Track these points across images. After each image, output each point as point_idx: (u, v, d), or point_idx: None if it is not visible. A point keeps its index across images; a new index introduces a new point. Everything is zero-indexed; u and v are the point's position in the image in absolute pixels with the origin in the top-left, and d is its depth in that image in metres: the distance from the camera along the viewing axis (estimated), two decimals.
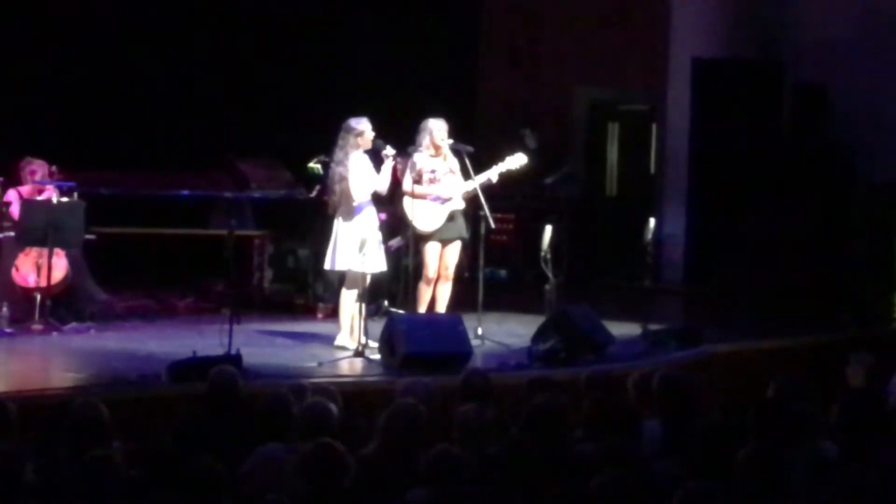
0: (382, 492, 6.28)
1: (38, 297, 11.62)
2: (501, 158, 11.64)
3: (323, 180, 12.41)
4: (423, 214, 11.42)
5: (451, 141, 11.46)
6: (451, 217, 11.44)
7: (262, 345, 11.16)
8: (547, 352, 10.80)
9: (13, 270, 11.82)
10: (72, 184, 12.12)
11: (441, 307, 11.48)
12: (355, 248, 10.91)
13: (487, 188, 11.47)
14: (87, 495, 5.92)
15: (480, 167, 11.54)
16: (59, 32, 14.43)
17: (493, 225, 11.50)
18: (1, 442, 6.53)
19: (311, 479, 6.09)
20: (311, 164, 12.95)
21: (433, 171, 11.44)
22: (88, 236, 11.97)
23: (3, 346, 10.93)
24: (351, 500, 6.13)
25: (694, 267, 15.79)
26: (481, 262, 11.68)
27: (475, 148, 11.72)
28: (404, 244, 12.31)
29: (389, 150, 11.10)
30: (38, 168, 12.14)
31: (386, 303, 12.60)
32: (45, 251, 11.61)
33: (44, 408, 8.22)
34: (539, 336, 10.99)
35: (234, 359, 9.57)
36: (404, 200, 11.50)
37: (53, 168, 12.20)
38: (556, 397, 7.23)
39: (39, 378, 10.19)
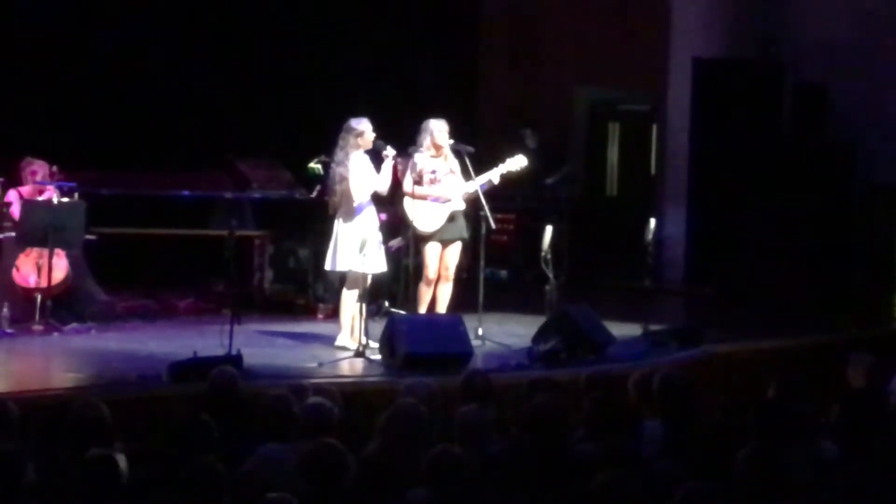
0: (383, 492, 6.28)
1: (39, 297, 11.62)
2: (502, 159, 11.65)
3: (323, 180, 12.39)
4: (423, 215, 11.42)
5: (451, 141, 11.46)
6: (452, 217, 11.44)
7: (263, 345, 11.16)
8: (547, 352, 10.80)
9: (14, 271, 11.82)
10: (72, 184, 12.10)
11: (441, 308, 11.47)
12: (356, 248, 10.90)
13: (487, 189, 11.47)
14: (87, 495, 5.93)
15: (481, 167, 11.54)
16: (59, 32, 14.41)
17: (493, 225, 11.49)
18: (1, 442, 6.53)
19: (312, 479, 6.09)
20: (312, 165, 12.93)
21: (434, 172, 11.43)
22: (89, 237, 11.96)
23: (4, 347, 10.94)
24: (351, 500, 6.13)
25: (694, 267, 15.76)
26: (482, 262, 11.68)
27: (475, 148, 11.72)
28: (405, 245, 12.32)
29: (390, 151, 11.10)
30: (39, 168, 12.13)
31: (386, 303, 12.60)
32: (46, 252, 11.61)
33: (44, 408, 8.18)
34: (539, 336, 11.00)
35: (235, 359, 9.58)
36: (405, 201, 11.50)
37: (54, 168, 12.19)
38: (556, 397, 7.23)
39: (40, 378, 10.20)
